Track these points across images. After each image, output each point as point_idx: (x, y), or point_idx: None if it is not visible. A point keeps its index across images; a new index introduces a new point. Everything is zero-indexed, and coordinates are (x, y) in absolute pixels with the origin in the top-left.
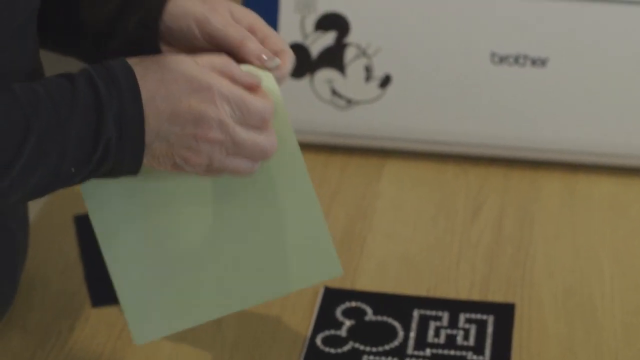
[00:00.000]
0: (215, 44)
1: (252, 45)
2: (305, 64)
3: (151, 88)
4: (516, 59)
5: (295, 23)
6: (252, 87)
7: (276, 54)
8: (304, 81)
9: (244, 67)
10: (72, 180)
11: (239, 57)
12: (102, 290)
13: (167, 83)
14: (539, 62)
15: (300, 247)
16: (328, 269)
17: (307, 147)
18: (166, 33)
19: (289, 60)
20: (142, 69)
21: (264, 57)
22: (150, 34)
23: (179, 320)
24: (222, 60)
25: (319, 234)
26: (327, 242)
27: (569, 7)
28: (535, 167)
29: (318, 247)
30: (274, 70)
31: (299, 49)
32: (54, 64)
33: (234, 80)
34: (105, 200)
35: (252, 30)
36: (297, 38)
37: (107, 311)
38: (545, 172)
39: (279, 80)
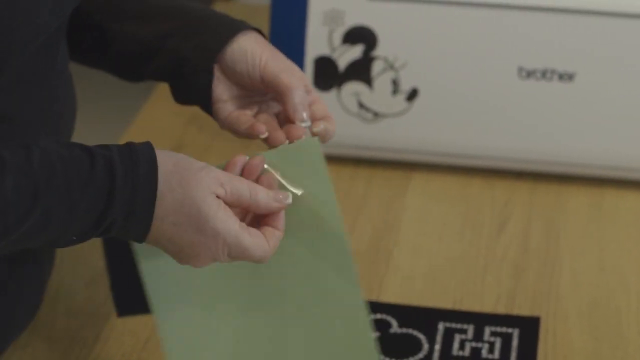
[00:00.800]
0: (266, 85)
1: (300, 94)
2: (332, 77)
3: (165, 210)
4: (543, 74)
5: (323, 36)
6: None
7: (320, 119)
8: (331, 94)
9: (282, 147)
10: (72, 244)
11: (284, 105)
12: (127, 300)
13: (181, 214)
14: (566, 77)
15: (345, 341)
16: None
17: (333, 159)
18: (226, 65)
19: (331, 127)
20: (167, 186)
21: (303, 114)
22: (209, 59)
23: None
24: (249, 189)
25: (362, 327)
26: (370, 340)
27: (597, 21)
28: (561, 182)
29: (361, 344)
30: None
31: (327, 62)
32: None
33: (255, 211)
34: (159, 268)
35: (306, 90)
36: (325, 51)
37: (132, 321)
38: (572, 187)
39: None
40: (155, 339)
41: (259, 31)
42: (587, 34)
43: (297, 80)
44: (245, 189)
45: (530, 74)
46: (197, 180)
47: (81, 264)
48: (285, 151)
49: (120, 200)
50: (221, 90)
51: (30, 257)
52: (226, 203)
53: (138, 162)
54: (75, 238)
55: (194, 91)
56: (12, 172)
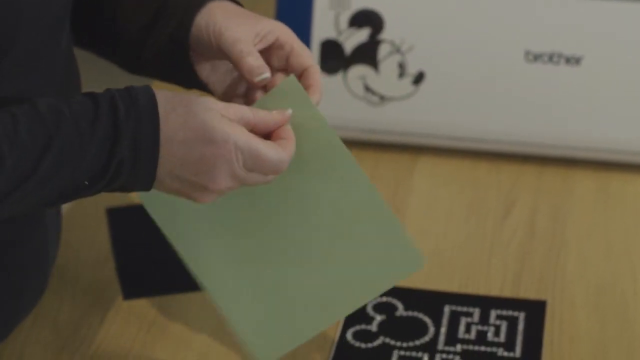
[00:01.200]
0: (225, 57)
1: (250, 61)
2: (339, 60)
3: (171, 129)
4: (550, 57)
5: (330, 19)
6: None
7: (302, 70)
8: (338, 77)
9: (262, 97)
10: (84, 193)
11: (235, 65)
12: (133, 283)
13: (187, 129)
14: (573, 61)
15: (380, 248)
16: (411, 262)
17: None
18: (194, 44)
19: (314, 75)
20: (169, 107)
21: (255, 75)
22: (182, 48)
23: (288, 335)
24: (250, 109)
25: (394, 231)
26: (403, 238)
27: (604, 5)
28: (568, 166)
29: (396, 244)
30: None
31: (333, 46)
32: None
33: (262, 128)
34: (170, 213)
35: (279, 44)
36: (331, 34)
37: (138, 304)
38: (579, 171)
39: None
40: (161, 321)
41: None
42: (595, 18)
43: (249, 47)
44: (246, 109)
45: (537, 57)
46: (197, 99)
47: (87, 247)
48: (268, 97)
49: (126, 132)
50: (207, 71)
51: (36, 241)
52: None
53: (137, 97)
54: (87, 183)
55: (186, 82)
56: (23, 119)
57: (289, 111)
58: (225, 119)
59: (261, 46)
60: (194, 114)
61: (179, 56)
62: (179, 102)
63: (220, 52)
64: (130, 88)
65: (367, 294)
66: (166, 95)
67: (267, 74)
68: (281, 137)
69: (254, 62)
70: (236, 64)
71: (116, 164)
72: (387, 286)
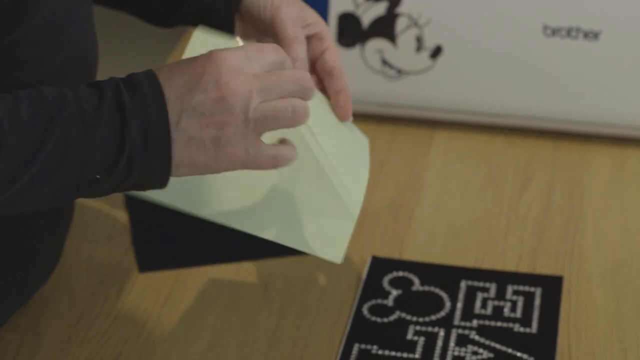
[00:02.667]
0: (273, 34)
1: (298, 49)
2: (356, 33)
3: (167, 70)
4: (568, 32)
5: None
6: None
7: (331, 69)
8: (355, 51)
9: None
10: (96, 188)
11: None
12: (149, 256)
13: (182, 63)
14: (592, 35)
15: (327, 218)
16: (332, 252)
17: (356, 116)
18: (244, 11)
19: (342, 76)
20: (168, 69)
21: (299, 64)
22: (230, 9)
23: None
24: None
25: (346, 220)
26: (347, 230)
27: None
28: (585, 141)
29: (339, 229)
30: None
31: (351, 19)
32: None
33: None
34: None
35: (318, 37)
36: (349, 7)
37: (153, 277)
38: (595, 146)
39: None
40: (176, 295)
41: None
42: None
43: (300, 34)
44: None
45: (555, 32)
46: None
47: (102, 219)
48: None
49: (134, 115)
50: (243, 36)
51: (49, 211)
52: None
53: (140, 81)
54: (98, 177)
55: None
56: (25, 103)
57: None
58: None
59: (305, 32)
60: (191, 60)
61: (224, 18)
62: (175, 65)
63: (268, 26)
64: (131, 75)
65: (284, 237)
66: (163, 68)
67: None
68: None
69: (302, 54)
70: (284, 45)
71: (129, 150)
72: (302, 247)
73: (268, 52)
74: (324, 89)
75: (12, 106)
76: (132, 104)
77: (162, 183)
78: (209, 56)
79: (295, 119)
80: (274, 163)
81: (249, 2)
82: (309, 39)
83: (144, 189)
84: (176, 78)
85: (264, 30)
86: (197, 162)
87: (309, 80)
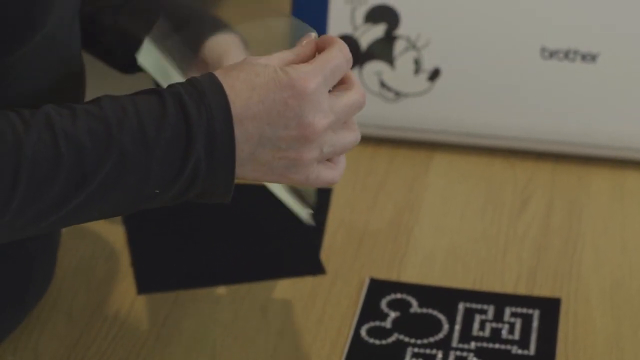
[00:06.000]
0: None
1: None
2: (354, 55)
3: (243, 97)
4: (566, 54)
5: (346, 15)
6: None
7: None
8: (353, 73)
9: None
10: (156, 202)
11: None
12: (148, 277)
13: (258, 88)
14: (589, 58)
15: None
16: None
17: None
18: (200, 59)
19: None
20: (231, 80)
21: None
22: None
23: None
24: (290, 52)
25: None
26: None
27: (620, 2)
28: (583, 163)
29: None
30: None
31: (349, 41)
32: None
33: (303, 59)
34: None
35: None
36: (347, 30)
37: (152, 298)
38: (594, 168)
39: None
40: (175, 315)
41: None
42: (611, 15)
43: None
44: (286, 52)
45: (553, 54)
46: (246, 63)
47: (101, 240)
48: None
49: (199, 130)
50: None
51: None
52: None
53: (204, 89)
54: (157, 191)
55: None
56: (83, 117)
57: (314, 34)
58: (277, 66)
59: None
60: (254, 73)
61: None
62: (235, 70)
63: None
64: (193, 79)
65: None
66: (222, 70)
67: None
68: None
69: None
70: None
71: (191, 166)
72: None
73: (339, 63)
74: None
75: (70, 123)
76: (197, 116)
77: (224, 198)
78: (292, 86)
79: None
80: (326, 185)
81: (205, 48)
82: None
83: (204, 201)
84: (254, 107)
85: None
86: (259, 180)
87: (365, 99)
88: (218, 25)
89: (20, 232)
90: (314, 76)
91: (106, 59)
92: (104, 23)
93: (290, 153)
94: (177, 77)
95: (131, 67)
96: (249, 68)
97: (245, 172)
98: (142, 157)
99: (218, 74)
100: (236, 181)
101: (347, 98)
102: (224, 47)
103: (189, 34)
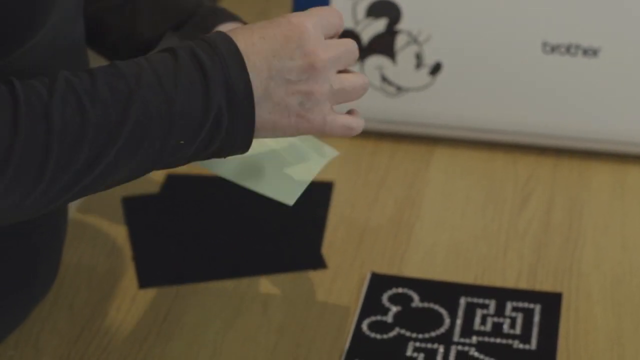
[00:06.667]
0: None
1: None
2: None
3: (245, 36)
4: (568, 49)
5: (347, 9)
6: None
7: None
8: (354, 68)
9: None
10: (179, 157)
11: None
12: (149, 271)
13: (257, 28)
14: (591, 52)
15: (291, 167)
16: (286, 194)
17: None
18: None
19: None
20: (232, 32)
21: None
22: None
23: None
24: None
25: (307, 172)
26: (305, 179)
27: None
28: (585, 158)
29: (299, 177)
30: None
31: (350, 36)
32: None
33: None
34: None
35: None
36: (349, 24)
37: (154, 292)
38: (595, 163)
39: None
40: (176, 311)
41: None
42: (612, 9)
43: None
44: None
45: (554, 48)
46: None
47: (102, 235)
48: None
49: (216, 78)
50: None
51: (47, 222)
52: None
53: (215, 41)
54: (183, 142)
55: None
56: (101, 76)
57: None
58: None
59: None
60: (255, 24)
61: None
62: (237, 27)
63: None
64: (203, 36)
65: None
66: (237, 30)
67: None
68: None
69: None
70: None
71: (214, 114)
72: (262, 190)
73: (332, 16)
74: None
75: (90, 84)
76: (212, 65)
77: (244, 148)
78: (289, 21)
79: (362, 95)
80: (346, 132)
81: None
82: None
83: (225, 155)
84: (257, 43)
85: None
86: (278, 127)
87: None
88: (224, 15)
89: (55, 200)
90: (309, 16)
91: (111, 56)
92: (108, 22)
93: (301, 86)
94: None
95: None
96: (267, 20)
97: (263, 114)
98: (164, 107)
99: (230, 33)
100: (255, 134)
101: (344, 42)
102: None
103: (196, 25)
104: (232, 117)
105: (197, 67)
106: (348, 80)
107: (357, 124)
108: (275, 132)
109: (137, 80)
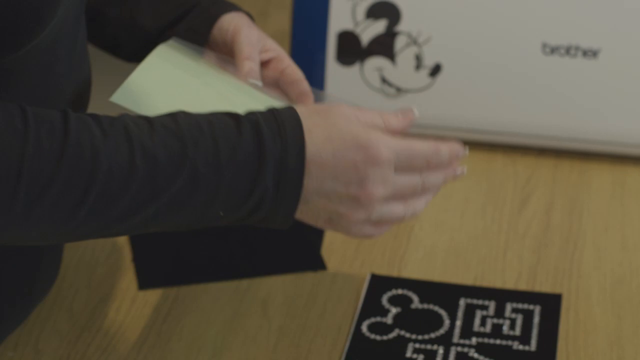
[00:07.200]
0: (230, 52)
1: (249, 64)
2: (355, 51)
3: (318, 143)
4: (567, 50)
5: (347, 10)
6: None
7: (292, 82)
8: (354, 69)
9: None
10: (218, 222)
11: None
12: (149, 273)
13: (334, 140)
14: (590, 53)
15: None
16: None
17: None
18: (211, 40)
19: (305, 84)
20: (311, 123)
21: (250, 77)
22: (203, 37)
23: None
24: (380, 117)
25: None
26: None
27: None
28: (584, 159)
29: None
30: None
31: (350, 37)
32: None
33: (391, 130)
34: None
35: (278, 59)
36: (348, 26)
37: (153, 294)
38: (595, 164)
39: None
40: (176, 312)
41: (248, 14)
42: (612, 10)
43: (255, 53)
44: (376, 115)
45: (554, 50)
46: (332, 108)
47: None
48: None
49: (271, 160)
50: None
51: None
52: None
53: (283, 121)
54: (222, 214)
55: None
56: (161, 131)
57: (415, 112)
58: (363, 124)
59: (264, 57)
60: (335, 125)
61: (195, 42)
62: (318, 115)
63: (229, 47)
64: (274, 110)
65: None
66: (306, 111)
67: (260, 83)
68: None
69: (255, 67)
70: (239, 63)
71: (259, 195)
72: None
73: (417, 156)
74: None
75: (147, 136)
76: (272, 146)
77: (282, 227)
78: (366, 149)
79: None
80: (365, 238)
81: (217, 26)
82: (269, 61)
83: (262, 226)
84: (322, 153)
85: (226, 52)
86: (307, 221)
87: (440, 182)
88: (226, 5)
89: (81, 238)
90: (390, 149)
91: (112, 50)
92: (109, 15)
93: (340, 208)
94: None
95: (137, 56)
96: (332, 118)
97: (298, 212)
98: (213, 179)
99: (300, 112)
100: None
101: (410, 178)
102: (234, 26)
103: (197, 16)
104: (275, 201)
105: (257, 145)
106: (388, 214)
107: (378, 233)
108: (302, 219)
109: (194, 145)
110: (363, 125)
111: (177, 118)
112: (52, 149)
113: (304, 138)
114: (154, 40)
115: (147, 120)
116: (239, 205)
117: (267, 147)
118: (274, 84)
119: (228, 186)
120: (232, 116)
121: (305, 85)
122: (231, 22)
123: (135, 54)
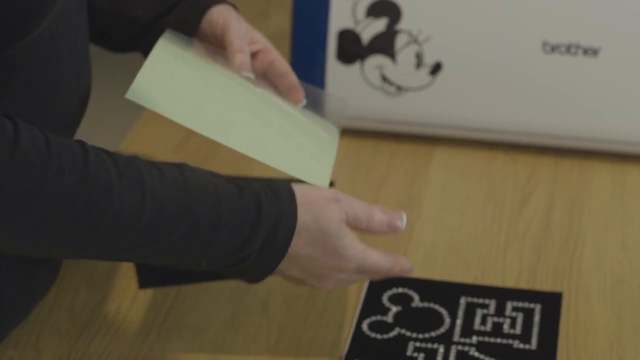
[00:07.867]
0: (220, 44)
1: (241, 57)
2: (356, 50)
3: (301, 244)
4: (568, 48)
5: (347, 9)
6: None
7: (281, 75)
8: (354, 67)
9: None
10: (197, 268)
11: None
12: (149, 272)
13: (320, 244)
14: (591, 52)
15: (314, 147)
16: (317, 176)
17: (356, 133)
18: (200, 32)
19: (292, 76)
20: (305, 212)
21: (243, 70)
22: (192, 28)
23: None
24: (366, 215)
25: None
26: (331, 160)
27: None
28: (585, 157)
29: (324, 158)
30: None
31: (350, 35)
32: None
33: (371, 232)
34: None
35: (265, 51)
36: (349, 24)
37: (154, 292)
38: (596, 163)
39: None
40: (176, 311)
41: (234, 6)
42: (612, 9)
43: (245, 46)
44: (362, 214)
45: (554, 48)
46: (329, 213)
47: None
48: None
49: (263, 231)
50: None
51: None
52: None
53: (280, 198)
54: (204, 264)
55: None
56: (171, 182)
57: (403, 225)
58: (347, 230)
59: (252, 49)
60: (326, 231)
61: (185, 32)
62: (312, 218)
63: (219, 41)
64: (273, 185)
65: (276, 160)
66: (302, 198)
67: (252, 76)
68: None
69: (246, 60)
70: (230, 55)
71: (243, 256)
72: (289, 170)
73: (375, 273)
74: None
75: (158, 184)
76: (268, 214)
77: (253, 282)
78: (340, 259)
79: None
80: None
81: (206, 18)
82: (257, 53)
83: (234, 278)
84: (302, 251)
85: (215, 44)
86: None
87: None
88: None
89: (76, 257)
90: (358, 262)
91: (101, 41)
92: (98, 6)
93: (310, 280)
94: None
95: (127, 46)
96: (326, 216)
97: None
98: (210, 235)
99: (298, 194)
100: None
101: (362, 277)
102: (223, 18)
103: (188, 7)
104: (255, 264)
105: (256, 210)
106: (350, 280)
107: (353, 282)
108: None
109: (200, 202)
110: (346, 234)
111: (183, 172)
112: (70, 183)
113: (297, 219)
114: (145, 30)
115: (157, 167)
116: (221, 262)
117: (264, 213)
118: (262, 76)
119: (220, 244)
120: (233, 183)
121: (293, 78)
122: (220, 15)
123: (125, 45)
